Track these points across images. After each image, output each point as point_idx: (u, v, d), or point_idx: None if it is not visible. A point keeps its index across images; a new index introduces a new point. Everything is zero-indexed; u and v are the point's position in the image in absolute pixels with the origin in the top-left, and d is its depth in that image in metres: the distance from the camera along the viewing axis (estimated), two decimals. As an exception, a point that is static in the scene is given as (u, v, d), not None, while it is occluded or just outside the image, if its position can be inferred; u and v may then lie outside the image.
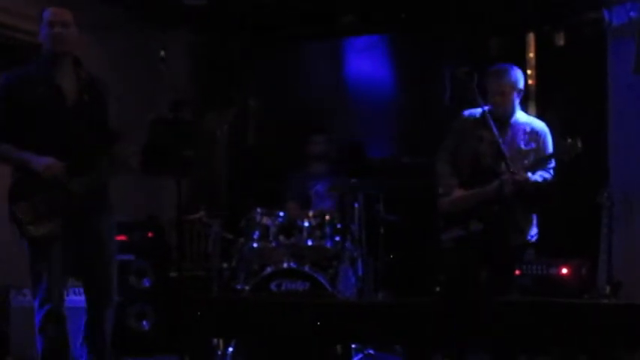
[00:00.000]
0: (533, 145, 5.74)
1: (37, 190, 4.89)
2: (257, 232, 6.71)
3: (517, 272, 6.88)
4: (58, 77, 5.03)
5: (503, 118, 5.75)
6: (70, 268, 5.14)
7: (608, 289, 6.32)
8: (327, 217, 6.67)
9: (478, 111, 5.82)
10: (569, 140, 5.42)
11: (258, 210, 6.76)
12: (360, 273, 6.77)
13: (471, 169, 5.82)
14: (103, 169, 5.06)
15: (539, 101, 8.33)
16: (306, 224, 6.63)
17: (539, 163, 5.66)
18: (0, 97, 5.01)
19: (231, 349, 6.52)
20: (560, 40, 8.17)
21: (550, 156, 5.71)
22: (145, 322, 7.31)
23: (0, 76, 5.13)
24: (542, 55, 8.37)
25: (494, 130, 5.53)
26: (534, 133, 5.76)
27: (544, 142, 5.74)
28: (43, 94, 4.96)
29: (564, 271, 6.83)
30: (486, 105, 5.73)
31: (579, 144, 5.37)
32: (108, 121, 5.16)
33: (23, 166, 4.93)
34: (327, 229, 6.64)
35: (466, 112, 6.00)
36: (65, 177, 4.91)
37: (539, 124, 5.85)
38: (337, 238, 6.65)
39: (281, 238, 6.70)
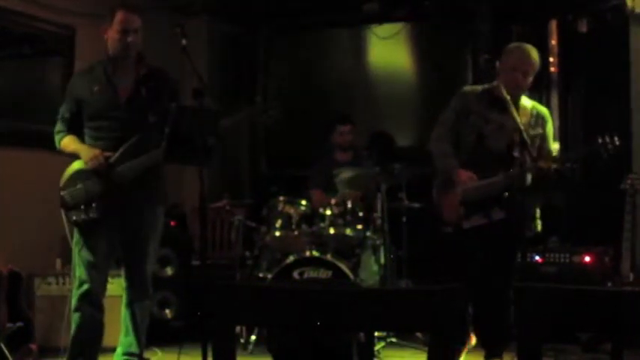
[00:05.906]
0: (540, 130, 5.62)
1: (84, 178, 5.16)
2: (279, 221, 6.72)
3: (540, 260, 6.90)
4: (115, 76, 5.25)
5: (514, 98, 5.49)
6: (114, 257, 5.40)
7: (631, 276, 6.28)
8: (350, 205, 6.66)
9: (479, 88, 5.75)
10: (600, 140, 5.25)
11: (281, 198, 6.77)
12: (382, 261, 6.77)
13: (473, 149, 5.67)
14: (141, 160, 5.18)
15: (561, 89, 8.30)
16: (328, 212, 6.62)
17: (569, 160, 5.57)
18: (67, 94, 5.39)
19: (253, 337, 6.55)
20: (583, 28, 8.15)
21: (585, 154, 5.55)
22: (167, 310, 7.34)
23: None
24: (565, 42, 8.34)
25: (513, 113, 5.35)
26: (540, 118, 5.65)
27: (548, 128, 5.65)
28: (99, 92, 5.21)
29: (587, 259, 6.81)
30: (495, 83, 5.53)
31: (616, 141, 5.23)
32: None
33: (77, 156, 5.24)
34: (350, 218, 6.62)
35: (467, 89, 5.90)
36: (106, 167, 5.11)
37: (543, 109, 5.76)
38: (359, 227, 6.66)
39: (303, 226, 6.71)
